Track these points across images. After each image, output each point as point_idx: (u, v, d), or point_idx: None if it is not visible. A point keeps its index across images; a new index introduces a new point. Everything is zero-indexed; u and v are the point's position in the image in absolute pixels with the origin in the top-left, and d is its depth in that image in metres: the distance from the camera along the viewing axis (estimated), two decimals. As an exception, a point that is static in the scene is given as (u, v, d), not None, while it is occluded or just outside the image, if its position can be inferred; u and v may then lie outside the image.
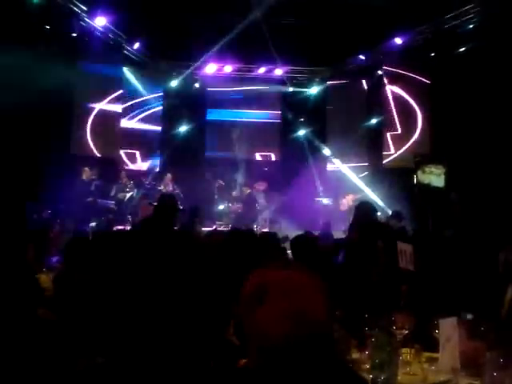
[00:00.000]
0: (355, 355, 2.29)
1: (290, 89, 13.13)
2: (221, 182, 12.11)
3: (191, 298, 1.64)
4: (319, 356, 1.28)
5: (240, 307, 1.36)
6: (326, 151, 12.78)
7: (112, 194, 11.01)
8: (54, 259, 4.82)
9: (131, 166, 12.30)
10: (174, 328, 1.56)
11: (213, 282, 1.78)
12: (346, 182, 12.25)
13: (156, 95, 12.67)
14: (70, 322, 2.74)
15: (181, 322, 1.57)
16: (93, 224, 9.52)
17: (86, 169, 10.61)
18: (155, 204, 5.11)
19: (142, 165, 12.59)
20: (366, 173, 12.35)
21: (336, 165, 12.72)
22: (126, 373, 1.51)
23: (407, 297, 3.10)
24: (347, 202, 10.96)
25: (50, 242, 5.59)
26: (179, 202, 9.36)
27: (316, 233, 6.80)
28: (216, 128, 13.11)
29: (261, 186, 11.76)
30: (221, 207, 11.91)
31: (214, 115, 13.13)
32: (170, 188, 11.12)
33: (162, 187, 11.14)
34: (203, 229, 7.84)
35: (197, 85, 12.82)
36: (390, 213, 9.23)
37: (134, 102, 12.40)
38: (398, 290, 3.14)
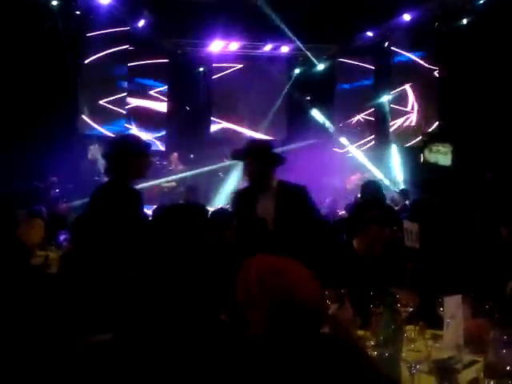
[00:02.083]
0: (360, 332, 2.31)
1: (297, 67, 12.98)
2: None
3: (194, 278, 1.65)
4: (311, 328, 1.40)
5: (239, 290, 1.45)
6: (333, 130, 12.68)
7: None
8: (62, 237, 4.88)
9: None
10: (178, 306, 1.57)
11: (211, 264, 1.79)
12: (353, 160, 12.19)
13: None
14: (76, 299, 2.78)
15: (185, 300, 1.58)
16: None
17: (92, 147, 10.62)
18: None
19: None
20: (372, 151, 12.29)
21: (343, 143, 12.64)
22: (132, 349, 1.53)
23: (412, 274, 3.11)
24: (354, 180, 10.93)
25: (57, 220, 5.64)
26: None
27: (323, 211, 6.81)
28: (221, 107, 13.03)
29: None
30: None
31: (218, 96, 13.02)
32: (179, 167, 11.15)
33: (172, 167, 11.15)
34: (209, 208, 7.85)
35: (201, 68, 12.71)
36: (397, 190, 9.22)
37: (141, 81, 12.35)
38: (404, 267, 3.15)
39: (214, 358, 1.39)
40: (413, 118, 11.93)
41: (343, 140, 12.60)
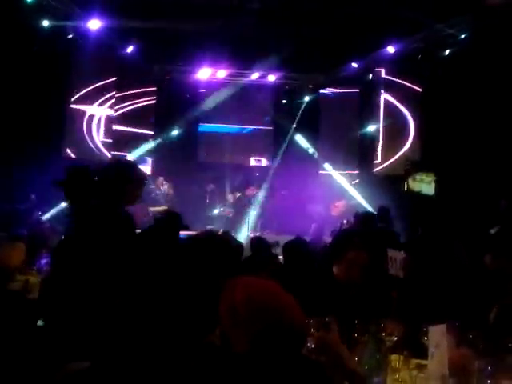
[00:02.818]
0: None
1: (283, 96, 13.17)
2: (212, 186, 12.11)
3: (177, 304, 1.64)
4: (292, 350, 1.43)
5: (224, 309, 1.46)
6: (318, 158, 12.81)
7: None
8: (43, 261, 4.79)
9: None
10: (160, 333, 1.56)
11: (197, 288, 1.78)
12: (338, 188, 12.29)
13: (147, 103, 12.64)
14: (56, 325, 2.72)
15: (168, 328, 1.57)
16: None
17: None
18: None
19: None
20: (357, 180, 12.41)
21: (328, 171, 12.76)
22: (111, 377, 1.50)
23: (397, 303, 3.10)
24: (339, 207, 11.00)
25: (39, 243, 5.55)
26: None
27: (307, 238, 6.81)
28: (208, 135, 13.11)
29: (251, 190, 11.77)
30: (215, 211, 11.92)
31: (205, 127, 13.13)
32: (164, 191, 11.13)
33: (160, 191, 11.12)
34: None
35: (190, 91, 12.81)
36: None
37: (128, 106, 12.39)
38: (388, 296, 3.14)
39: (197, 378, 1.39)
40: (396, 147, 12.10)
41: (328, 167, 12.72)
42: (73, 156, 11.65)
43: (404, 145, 11.99)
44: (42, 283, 3.30)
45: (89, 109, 11.90)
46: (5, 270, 3.32)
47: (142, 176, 3.46)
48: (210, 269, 2.32)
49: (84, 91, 11.72)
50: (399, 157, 11.96)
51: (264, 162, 13.20)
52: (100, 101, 12.01)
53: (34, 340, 2.50)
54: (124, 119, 12.41)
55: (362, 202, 11.47)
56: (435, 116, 10.68)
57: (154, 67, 12.37)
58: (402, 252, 3.05)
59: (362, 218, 6.15)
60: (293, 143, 12.96)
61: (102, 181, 3.35)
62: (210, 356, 1.50)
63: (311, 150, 12.78)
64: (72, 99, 11.69)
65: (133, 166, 3.45)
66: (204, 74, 12.50)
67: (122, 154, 12.34)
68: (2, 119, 9.56)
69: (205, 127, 13.14)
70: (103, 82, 11.89)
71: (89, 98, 11.80)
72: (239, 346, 1.44)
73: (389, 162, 12.11)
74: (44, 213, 9.40)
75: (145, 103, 12.60)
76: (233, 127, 13.03)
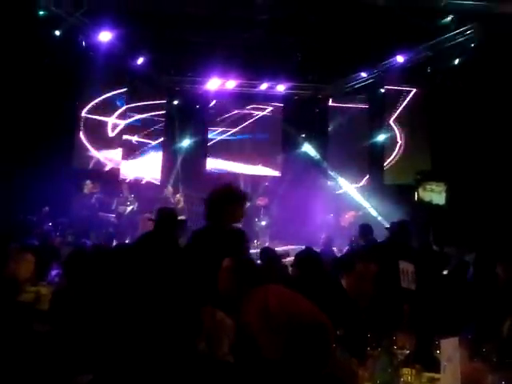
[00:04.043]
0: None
1: (291, 107, 13.20)
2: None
3: (189, 316, 1.64)
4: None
5: (254, 315, 1.48)
6: (327, 167, 12.79)
7: (113, 207, 11.01)
8: (54, 272, 4.80)
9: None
10: (171, 347, 1.56)
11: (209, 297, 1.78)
12: (347, 198, 12.25)
13: (157, 113, 12.74)
14: (66, 337, 2.72)
15: (178, 342, 1.58)
16: (92, 238, 9.51)
17: (88, 182, 10.63)
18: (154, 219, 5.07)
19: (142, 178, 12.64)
20: (366, 189, 12.36)
21: (337, 181, 12.73)
22: None
23: (409, 316, 3.07)
24: (348, 218, 10.96)
25: (50, 254, 5.57)
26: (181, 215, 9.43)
27: (317, 249, 6.78)
28: (217, 145, 13.16)
29: (261, 201, 11.76)
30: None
31: (215, 131, 13.19)
32: (175, 201, 11.17)
33: (173, 199, 11.15)
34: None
35: (199, 102, 12.88)
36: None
37: (136, 117, 12.49)
38: (400, 309, 3.11)
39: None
40: (406, 156, 12.06)
41: (337, 177, 12.70)
42: (82, 166, 11.72)
43: (414, 154, 11.94)
44: (54, 294, 3.31)
45: (99, 119, 12.00)
46: (15, 281, 3.33)
47: (243, 199, 3.71)
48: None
49: (94, 102, 11.82)
50: (409, 166, 11.91)
51: (273, 172, 13.21)
52: (110, 111, 12.11)
53: (43, 350, 2.50)
54: (134, 129, 12.50)
55: (372, 212, 11.41)
56: (445, 125, 10.64)
57: (164, 78, 12.47)
58: (413, 265, 3.03)
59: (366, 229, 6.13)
60: (302, 153, 12.97)
61: (208, 202, 3.63)
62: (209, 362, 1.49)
63: (320, 160, 12.77)
64: (82, 110, 11.79)
65: (234, 190, 3.75)
66: (213, 84, 12.57)
67: (132, 162, 12.43)
68: (14, 130, 9.66)
69: (214, 135, 13.16)
70: (113, 93, 12.00)
71: (99, 109, 11.90)
72: (271, 351, 1.45)
73: (399, 170, 12.06)
74: (55, 224, 9.46)
75: (154, 113, 12.70)
76: (242, 131, 13.02)
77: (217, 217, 3.54)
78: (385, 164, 12.30)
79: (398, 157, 12.18)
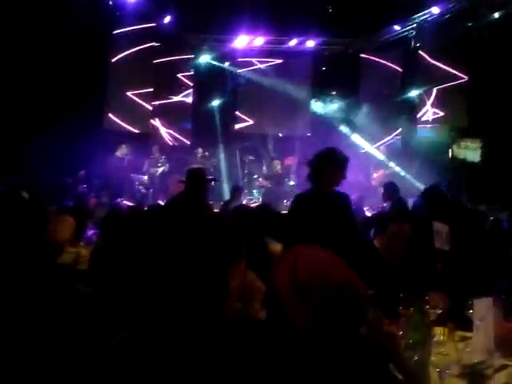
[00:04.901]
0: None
1: (322, 63, 12.88)
2: (250, 157, 12.12)
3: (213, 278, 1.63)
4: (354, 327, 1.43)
5: (285, 283, 1.45)
6: (358, 125, 12.53)
7: (144, 168, 11.17)
8: (90, 232, 4.96)
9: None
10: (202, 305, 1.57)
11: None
12: (377, 156, 12.04)
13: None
14: (107, 296, 2.83)
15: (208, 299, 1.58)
16: (126, 199, 9.71)
17: (123, 146, 10.77)
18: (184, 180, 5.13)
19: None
20: (398, 147, 12.12)
21: (367, 139, 12.47)
22: (154, 346, 1.55)
23: (442, 276, 3.07)
24: (378, 177, 10.82)
25: (86, 215, 5.72)
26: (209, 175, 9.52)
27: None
28: (246, 103, 13.02)
29: (290, 160, 11.71)
30: (254, 183, 11.97)
31: (244, 86, 13.00)
32: (202, 161, 11.22)
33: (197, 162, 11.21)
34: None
35: (227, 63, 12.69)
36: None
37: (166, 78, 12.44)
38: (433, 268, 3.11)
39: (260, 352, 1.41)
40: (441, 112, 11.73)
41: (368, 135, 12.45)
42: (116, 120, 11.77)
43: (449, 110, 11.60)
44: (92, 255, 3.42)
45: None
46: (55, 243, 3.46)
47: (343, 158, 3.89)
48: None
49: (123, 63, 11.78)
50: (444, 122, 11.59)
51: (302, 131, 13.05)
52: (139, 74, 12.08)
53: (86, 310, 2.60)
54: (163, 90, 12.47)
55: (401, 171, 11.18)
56: (482, 81, 10.26)
57: (191, 36, 12.30)
58: (447, 225, 3.01)
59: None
60: (331, 111, 12.74)
61: (312, 166, 3.84)
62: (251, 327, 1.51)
63: (351, 118, 12.51)
64: (111, 69, 11.77)
65: (333, 150, 3.94)
66: (241, 41, 12.35)
67: (161, 122, 12.46)
68: (47, 94, 9.80)
69: (244, 86, 12.85)
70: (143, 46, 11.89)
71: (128, 71, 11.88)
72: (303, 320, 1.43)
73: (433, 126, 11.76)
74: (89, 186, 9.68)
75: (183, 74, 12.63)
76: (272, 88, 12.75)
77: (319, 180, 3.74)
78: (419, 120, 11.99)
79: (432, 113, 11.85)
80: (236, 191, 9.13)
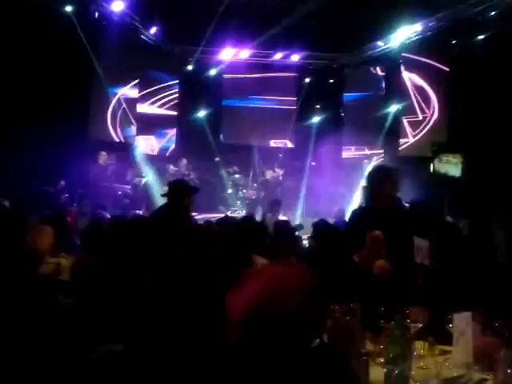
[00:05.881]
0: (369, 348, 2.32)
1: (306, 76, 13.02)
2: (235, 168, 12.15)
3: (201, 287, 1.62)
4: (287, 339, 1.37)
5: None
6: (341, 139, 12.68)
7: (128, 178, 11.11)
8: (72, 243, 4.90)
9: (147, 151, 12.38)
10: (187, 316, 1.56)
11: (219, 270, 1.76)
12: (361, 169, 12.16)
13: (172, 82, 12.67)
14: (88, 308, 2.80)
15: (192, 310, 1.57)
16: (108, 209, 9.62)
17: (103, 153, 10.70)
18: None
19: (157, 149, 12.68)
20: (381, 160, 12.25)
21: (351, 152, 12.63)
22: (144, 360, 1.53)
23: (422, 290, 3.11)
24: (362, 190, 10.90)
25: (65, 225, 5.66)
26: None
27: (331, 220, 6.81)
28: (231, 115, 13.08)
29: (275, 173, 11.79)
30: (238, 194, 11.99)
31: (229, 102, 13.10)
32: (185, 173, 11.18)
33: (185, 173, 11.15)
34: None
35: (213, 71, 12.73)
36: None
37: (151, 88, 12.43)
38: (414, 283, 3.14)
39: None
40: (422, 127, 11.91)
41: (351, 148, 12.60)
42: (97, 137, 11.75)
43: (429, 125, 11.79)
44: (73, 266, 3.38)
45: (113, 90, 11.96)
46: (34, 253, 3.41)
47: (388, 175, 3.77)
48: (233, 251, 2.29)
49: (108, 72, 11.74)
50: (425, 137, 11.77)
51: (288, 143, 13.14)
52: (124, 82, 12.07)
53: (67, 321, 2.56)
54: (148, 100, 12.46)
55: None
56: (462, 96, 10.45)
57: (177, 48, 12.34)
58: (427, 241, 3.05)
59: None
60: (316, 124, 12.86)
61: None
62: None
63: (335, 132, 12.64)
64: (96, 81, 11.73)
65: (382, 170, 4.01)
66: (227, 54, 12.42)
67: (147, 136, 12.45)
68: (29, 102, 9.70)
69: (228, 102, 13.03)
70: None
71: (113, 80, 11.85)
72: (232, 337, 1.40)
73: (414, 140, 11.94)
74: (71, 196, 9.58)
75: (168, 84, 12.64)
76: (256, 101, 12.89)
77: (372, 197, 3.70)
78: (400, 134, 12.16)
79: (413, 128, 12.03)
80: (276, 205, 9.35)
